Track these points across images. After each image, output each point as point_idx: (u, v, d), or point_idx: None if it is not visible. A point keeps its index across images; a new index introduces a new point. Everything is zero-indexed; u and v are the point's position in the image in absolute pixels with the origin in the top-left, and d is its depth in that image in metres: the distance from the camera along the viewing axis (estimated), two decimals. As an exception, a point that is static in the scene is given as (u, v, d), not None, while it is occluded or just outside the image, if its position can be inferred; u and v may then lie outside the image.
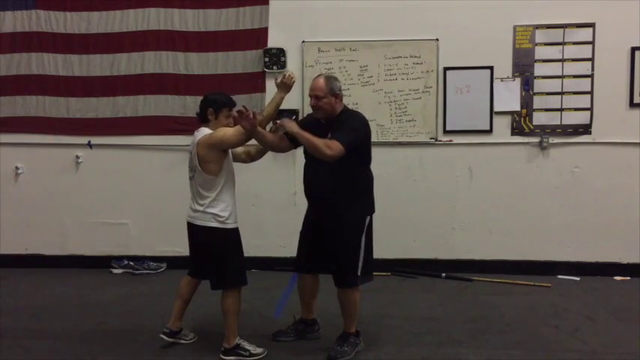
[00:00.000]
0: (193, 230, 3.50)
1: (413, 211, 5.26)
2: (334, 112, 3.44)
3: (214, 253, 3.45)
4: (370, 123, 5.08)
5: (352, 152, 3.30)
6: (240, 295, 3.51)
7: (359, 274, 3.45)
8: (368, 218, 3.49)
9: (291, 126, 3.37)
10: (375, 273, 4.99)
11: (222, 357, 3.47)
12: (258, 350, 3.52)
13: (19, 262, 5.46)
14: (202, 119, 3.49)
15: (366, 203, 3.51)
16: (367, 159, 3.53)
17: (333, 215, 3.43)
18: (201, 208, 3.41)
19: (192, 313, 4.10)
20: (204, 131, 3.43)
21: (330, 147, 3.22)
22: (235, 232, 3.51)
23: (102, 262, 5.43)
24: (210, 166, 3.37)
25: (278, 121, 3.53)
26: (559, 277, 5.09)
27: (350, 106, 5.13)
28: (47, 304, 4.52)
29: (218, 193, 3.40)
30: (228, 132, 3.36)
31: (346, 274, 3.45)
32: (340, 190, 3.39)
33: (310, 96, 3.44)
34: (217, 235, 3.43)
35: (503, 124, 5.16)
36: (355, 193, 3.44)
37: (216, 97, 3.48)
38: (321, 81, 3.41)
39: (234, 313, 3.46)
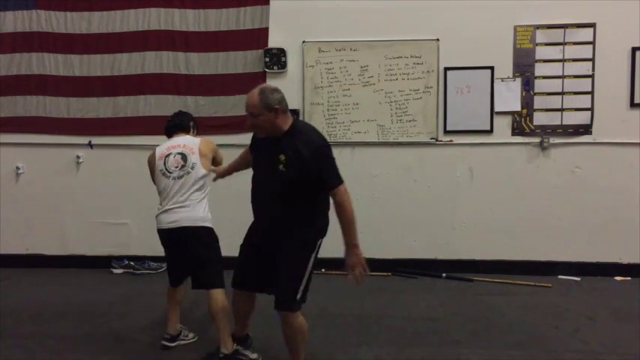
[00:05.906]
0: (187, 234, 3.45)
1: (413, 211, 5.26)
2: (277, 128, 2.95)
3: (210, 252, 3.51)
4: (371, 123, 5.24)
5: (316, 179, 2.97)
6: None
7: (297, 298, 3.06)
8: (319, 242, 3.12)
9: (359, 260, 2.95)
10: (375, 273, 5.06)
11: None
12: (254, 356, 3.47)
13: (19, 262, 5.46)
14: (184, 129, 3.76)
15: (320, 226, 3.13)
16: None
17: (286, 237, 3.05)
18: (189, 209, 3.46)
19: (192, 312, 4.12)
20: (192, 137, 3.71)
21: (348, 200, 2.95)
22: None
23: (102, 262, 5.43)
24: (206, 162, 3.59)
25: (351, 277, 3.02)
26: (559, 277, 5.09)
27: (350, 107, 5.25)
28: (47, 304, 4.52)
29: (207, 192, 3.58)
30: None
31: (287, 296, 3.07)
32: (297, 213, 3.02)
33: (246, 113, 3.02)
34: (211, 233, 3.56)
35: (503, 125, 5.16)
36: (312, 215, 3.08)
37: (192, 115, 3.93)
38: (255, 96, 2.92)
39: (228, 313, 3.44)
